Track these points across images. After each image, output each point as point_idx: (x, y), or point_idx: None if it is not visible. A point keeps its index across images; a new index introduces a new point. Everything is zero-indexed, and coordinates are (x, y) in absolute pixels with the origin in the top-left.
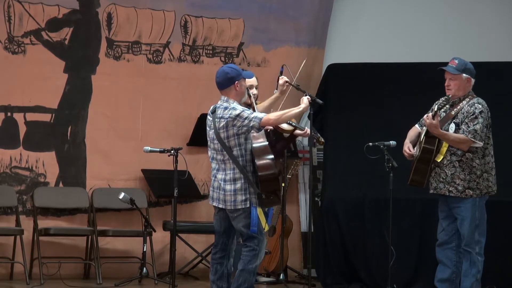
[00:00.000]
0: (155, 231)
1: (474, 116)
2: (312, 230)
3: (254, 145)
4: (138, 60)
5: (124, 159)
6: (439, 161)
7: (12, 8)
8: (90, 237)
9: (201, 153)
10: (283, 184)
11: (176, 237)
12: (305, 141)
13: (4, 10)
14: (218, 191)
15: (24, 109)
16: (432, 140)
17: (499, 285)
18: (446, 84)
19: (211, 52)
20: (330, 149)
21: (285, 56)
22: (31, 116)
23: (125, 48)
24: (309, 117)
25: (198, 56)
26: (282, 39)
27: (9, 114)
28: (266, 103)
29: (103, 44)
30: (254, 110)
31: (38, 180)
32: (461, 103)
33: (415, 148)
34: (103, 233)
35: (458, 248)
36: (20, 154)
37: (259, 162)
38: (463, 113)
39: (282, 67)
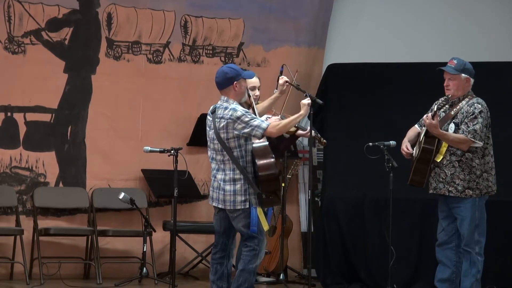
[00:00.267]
0: (155, 231)
1: (473, 116)
2: (312, 230)
3: (254, 145)
4: (138, 60)
5: (124, 159)
6: (438, 161)
7: (12, 8)
8: (90, 237)
9: (201, 153)
10: (283, 184)
11: (176, 237)
12: (305, 141)
13: (4, 10)
14: (217, 191)
15: (24, 109)
16: (431, 140)
17: (499, 285)
18: (445, 84)
19: (211, 52)
20: (330, 149)
21: (285, 56)
22: (31, 116)
23: (125, 48)
24: (309, 117)
25: (198, 56)
26: (282, 39)
27: (9, 114)
28: (266, 103)
29: (103, 44)
30: (254, 111)
31: (38, 180)
32: (460, 103)
33: (414, 148)
34: (103, 233)
35: (458, 248)
36: (20, 154)
37: (260, 162)
38: (462, 113)
39: (282, 67)
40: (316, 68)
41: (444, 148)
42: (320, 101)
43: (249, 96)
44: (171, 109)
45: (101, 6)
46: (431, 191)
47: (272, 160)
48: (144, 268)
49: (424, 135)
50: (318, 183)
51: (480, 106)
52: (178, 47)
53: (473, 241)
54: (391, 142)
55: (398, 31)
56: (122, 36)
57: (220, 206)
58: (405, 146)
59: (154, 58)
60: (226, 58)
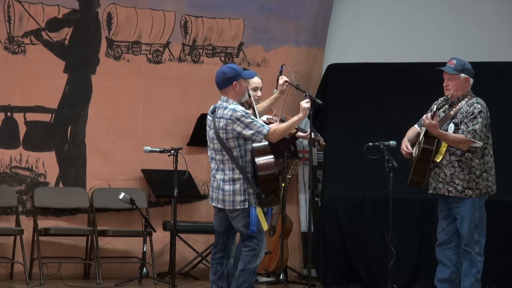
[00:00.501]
0: (155, 231)
1: (473, 116)
2: (312, 230)
3: (254, 144)
4: (138, 60)
5: (124, 159)
6: (438, 161)
7: (12, 8)
8: (90, 237)
9: (201, 153)
10: (283, 184)
11: (176, 237)
12: (305, 141)
13: (4, 10)
14: (217, 191)
15: (24, 109)
16: (431, 140)
17: (499, 285)
18: (444, 84)
19: (211, 52)
20: (330, 149)
21: (285, 56)
22: (31, 116)
23: (125, 48)
24: (309, 117)
25: (198, 56)
26: (282, 39)
27: (9, 114)
28: (265, 103)
29: (103, 44)
30: (254, 111)
31: (38, 180)
32: (460, 103)
33: (414, 148)
34: (103, 233)
35: (458, 248)
36: (20, 154)
37: (259, 162)
38: (462, 113)
39: (282, 67)
40: (316, 68)
41: (443, 148)
42: (320, 101)
43: (249, 96)
44: (171, 109)
45: (101, 6)
46: (430, 191)
47: (272, 160)
48: (144, 268)
49: (424, 135)
50: (318, 183)
51: (479, 106)
52: (178, 47)
53: (473, 241)
54: (391, 142)
55: (398, 31)
56: (122, 36)
57: (219, 206)
58: (405, 145)
59: (154, 58)
60: (226, 58)
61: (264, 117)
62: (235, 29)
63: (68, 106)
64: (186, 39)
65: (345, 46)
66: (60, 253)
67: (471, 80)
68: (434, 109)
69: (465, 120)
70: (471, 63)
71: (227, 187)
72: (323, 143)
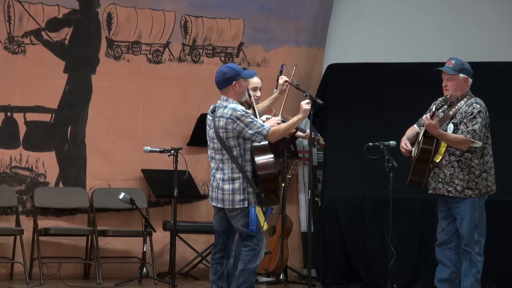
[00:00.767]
0: (155, 231)
1: (472, 116)
2: (312, 230)
3: (254, 144)
4: (138, 60)
5: (124, 159)
6: (437, 161)
7: (12, 8)
8: (90, 237)
9: (201, 153)
10: (283, 184)
11: (176, 237)
12: (305, 141)
13: (4, 10)
14: (216, 190)
15: (24, 109)
16: (430, 140)
17: (499, 285)
18: (443, 84)
19: (211, 52)
20: (330, 149)
21: (285, 56)
22: (31, 116)
23: (125, 48)
24: (309, 117)
25: (198, 56)
26: (282, 39)
27: (9, 114)
28: (265, 103)
29: (103, 44)
30: (254, 110)
31: (38, 180)
32: (459, 103)
33: (413, 148)
34: (103, 233)
35: (458, 248)
36: (20, 154)
37: (259, 161)
38: (461, 113)
39: (282, 67)
40: (316, 68)
41: (443, 148)
42: (320, 101)
43: (249, 96)
44: (171, 109)
45: (101, 6)
46: (430, 191)
47: (272, 159)
48: (144, 268)
49: (423, 135)
50: (318, 183)
51: (478, 106)
52: (178, 47)
53: (473, 241)
54: (391, 142)
55: (398, 31)
56: (122, 36)
57: (219, 205)
58: (404, 143)
59: (154, 58)
60: (226, 58)
61: (264, 117)
62: (235, 29)
63: (68, 106)
64: (186, 39)
65: (345, 46)
66: (60, 253)
67: (470, 80)
68: (433, 110)
69: (464, 120)
70: (471, 63)
71: (226, 186)
72: (323, 142)
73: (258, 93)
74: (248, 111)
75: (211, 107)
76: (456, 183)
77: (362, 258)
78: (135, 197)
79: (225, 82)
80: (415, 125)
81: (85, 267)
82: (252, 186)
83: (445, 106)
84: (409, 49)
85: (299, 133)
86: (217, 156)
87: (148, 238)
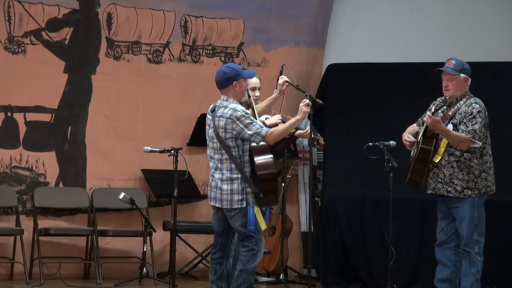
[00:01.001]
0: (155, 231)
1: (472, 116)
2: (312, 230)
3: (253, 144)
4: (138, 60)
5: (124, 159)
6: (437, 161)
7: (12, 8)
8: (90, 237)
9: (201, 153)
10: (283, 184)
11: (176, 237)
12: (305, 141)
13: (4, 10)
14: (215, 190)
15: (24, 109)
16: (429, 140)
17: (499, 285)
18: (444, 85)
19: (211, 52)
20: (330, 149)
21: (285, 56)
22: (31, 116)
23: (125, 48)
24: (309, 117)
25: (198, 56)
26: (282, 39)
27: (9, 114)
28: (264, 103)
29: (103, 44)
30: (253, 111)
31: (38, 180)
32: (458, 103)
33: (412, 148)
34: (103, 233)
35: (457, 248)
36: (20, 154)
37: (258, 161)
38: (460, 113)
39: (282, 67)
40: (316, 68)
41: (442, 148)
42: (320, 101)
43: (249, 96)
44: (171, 109)
45: (101, 6)
46: (429, 191)
47: (271, 159)
48: (144, 268)
49: (422, 135)
50: (318, 183)
51: (478, 106)
52: (178, 47)
53: (473, 241)
54: (391, 142)
55: (398, 31)
56: (122, 36)
57: (217, 205)
58: (406, 136)
59: (154, 58)
60: (226, 58)
61: (263, 117)
62: (235, 29)
63: (68, 106)
64: (186, 39)
65: (345, 46)
66: (60, 253)
67: (469, 80)
68: (433, 110)
69: (464, 120)
70: (471, 63)
71: (225, 186)
72: (323, 142)
73: (257, 93)
74: (248, 112)
75: (211, 106)
76: (455, 183)
77: (362, 258)
78: (135, 197)
79: (225, 82)
80: (414, 124)
81: (85, 267)
82: (251, 186)
83: (444, 107)
84: (409, 49)
85: (299, 132)
86: (216, 156)
87: (148, 238)
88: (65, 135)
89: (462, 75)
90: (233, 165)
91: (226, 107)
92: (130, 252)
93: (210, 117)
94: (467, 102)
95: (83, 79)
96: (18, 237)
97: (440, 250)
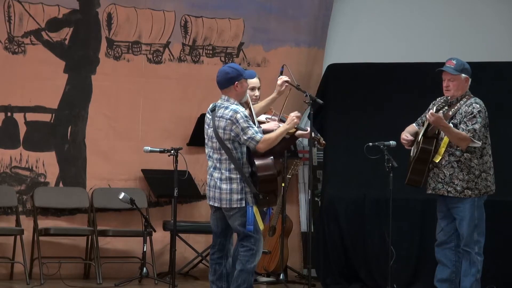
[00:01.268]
0: (155, 231)
1: (472, 115)
2: (312, 230)
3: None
4: (138, 60)
5: (124, 159)
6: (437, 161)
7: (12, 8)
8: (90, 237)
9: (201, 153)
10: (283, 184)
11: (176, 237)
12: (305, 141)
13: (4, 10)
14: (214, 189)
15: (24, 109)
16: (430, 140)
17: (499, 285)
18: (445, 85)
19: (211, 52)
20: (330, 149)
21: (285, 56)
22: (31, 116)
23: (125, 48)
24: (309, 117)
25: (198, 56)
26: (282, 39)
27: (9, 114)
28: (262, 103)
29: (103, 44)
30: (251, 111)
31: (38, 180)
32: (458, 103)
33: (412, 148)
34: (103, 233)
35: (457, 248)
36: (20, 154)
37: (258, 162)
38: (461, 113)
39: (283, 67)
40: (316, 68)
41: (442, 148)
42: (320, 101)
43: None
44: (171, 109)
45: (101, 6)
46: (429, 191)
47: (271, 160)
48: (144, 268)
49: (422, 135)
50: (318, 183)
51: (478, 106)
52: (178, 47)
53: (473, 241)
54: (391, 142)
55: (398, 31)
56: (122, 36)
57: (216, 204)
58: (405, 135)
59: (154, 58)
60: (226, 58)
61: (263, 117)
62: (235, 29)
63: (68, 106)
64: (186, 39)
65: (345, 46)
66: (60, 253)
67: (470, 80)
68: (434, 110)
69: (465, 120)
70: (471, 63)
71: (224, 186)
72: (323, 142)
73: (257, 93)
74: (247, 115)
75: (211, 105)
76: (455, 183)
77: (362, 258)
78: (135, 197)
79: (227, 82)
80: (414, 124)
81: (85, 267)
82: (250, 186)
83: (445, 108)
84: (409, 49)
85: (299, 132)
86: (215, 156)
87: (148, 238)
88: (65, 135)
89: (463, 75)
90: (232, 166)
91: (227, 107)
92: (130, 252)
93: (210, 117)
94: (468, 102)
95: (83, 79)
96: (18, 237)
97: (440, 250)
